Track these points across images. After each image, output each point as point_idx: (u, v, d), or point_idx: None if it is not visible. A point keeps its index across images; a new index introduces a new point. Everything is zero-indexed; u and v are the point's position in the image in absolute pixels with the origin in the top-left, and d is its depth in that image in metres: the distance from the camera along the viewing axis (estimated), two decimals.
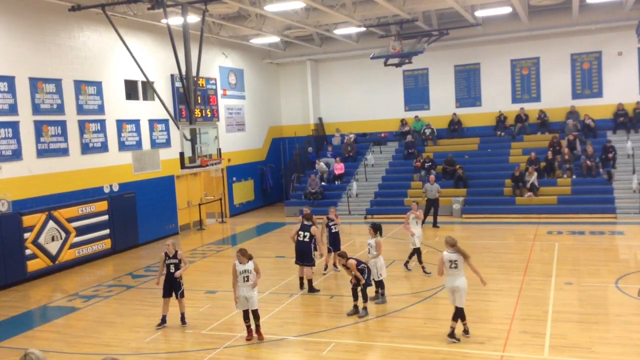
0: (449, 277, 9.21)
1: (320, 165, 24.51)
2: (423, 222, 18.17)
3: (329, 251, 13.56)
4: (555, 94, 23.85)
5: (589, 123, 22.70)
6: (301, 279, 12.64)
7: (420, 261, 13.43)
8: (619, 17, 21.52)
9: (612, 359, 8.47)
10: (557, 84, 23.84)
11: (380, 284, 11.39)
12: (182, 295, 10.68)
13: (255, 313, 9.78)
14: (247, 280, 9.65)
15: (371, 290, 11.22)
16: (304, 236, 12.52)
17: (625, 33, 21.81)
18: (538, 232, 17.62)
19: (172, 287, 10.61)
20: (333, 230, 13.73)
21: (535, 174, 20.84)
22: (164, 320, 10.70)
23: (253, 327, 9.83)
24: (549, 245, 15.80)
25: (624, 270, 12.95)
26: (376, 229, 11.54)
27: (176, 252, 10.67)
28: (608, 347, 8.85)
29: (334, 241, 13.68)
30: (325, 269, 13.85)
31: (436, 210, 19.50)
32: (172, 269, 10.55)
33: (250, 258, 9.77)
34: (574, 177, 20.99)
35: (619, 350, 8.72)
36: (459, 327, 9.27)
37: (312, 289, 12.38)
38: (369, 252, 11.51)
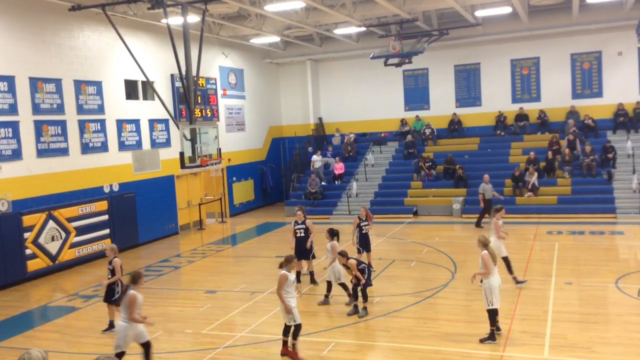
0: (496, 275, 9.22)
1: (315, 159, 24.48)
2: (478, 224, 18.55)
3: (359, 252, 13.10)
4: (555, 94, 23.85)
5: (589, 123, 22.70)
6: (311, 273, 12.95)
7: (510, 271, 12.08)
8: (619, 17, 21.52)
9: (612, 359, 8.47)
10: (557, 84, 23.84)
11: (343, 286, 11.38)
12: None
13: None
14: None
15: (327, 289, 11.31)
16: (300, 231, 12.91)
17: (625, 33, 21.81)
18: (538, 232, 17.62)
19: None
20: (364, 231, 13.28)
21: (536, 174, 20.84)
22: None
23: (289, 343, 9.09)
24: (549, 245, 15.80)
25: (624, 270, 12.94)
26: (332, 234, 11.72)
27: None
28: (608, 347, 8.85)
29: (365, 242, 13.27)
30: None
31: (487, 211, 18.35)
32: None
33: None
34: (569, 176, 20.97)
35: (619, 350, 8.72)
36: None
37: (313, 281, 12.86)
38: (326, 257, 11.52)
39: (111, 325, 10.47)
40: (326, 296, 11.58)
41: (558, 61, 23.71)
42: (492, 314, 9.18)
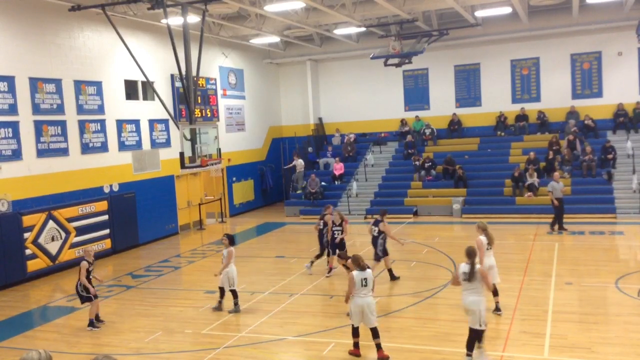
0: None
1: (298, 162, 24.58)
2: (554, 226, 17.50)
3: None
4: (555, 94, 23.85)
5: (588, 123, 22.71)
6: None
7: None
8: (619, 17, 21.53)
9: (611, 359, 8.47)
10: (557, 84, 23.85)
11: (234, 294, 11.36)
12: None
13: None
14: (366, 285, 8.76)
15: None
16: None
17: (625, 33, 21.82)
18: (538, 232, 17.62)
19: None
20: (336, 236, 13.31)
21: (535, 174, 20.84)
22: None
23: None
24: (549, 245, 15.81)
25: (623, 270, 12.94)
26: (231, 239, 11.55)
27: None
28: (608, 347, 8.85)
29: (335, 247, 13.28)
30: (329, 271, 13.74)
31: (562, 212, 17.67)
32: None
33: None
34: (569, 176, 20.98)
35: (619, 350, 8.72)
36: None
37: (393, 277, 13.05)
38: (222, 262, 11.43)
39: (91, 323, 10.83)
40: (219, 302, 11.45)
41: (558, 61, 23.71)
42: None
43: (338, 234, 13.39)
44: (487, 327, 8.30)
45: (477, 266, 8.25)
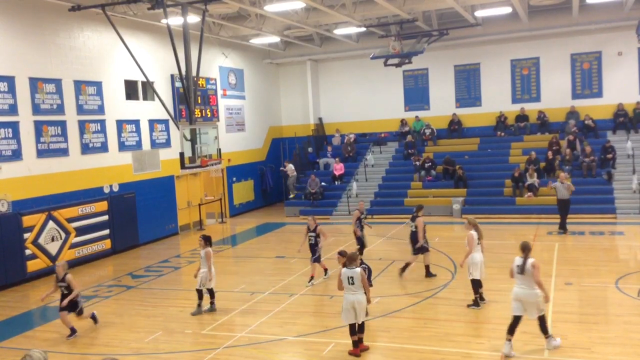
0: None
1: (288, 167, 24.62)
2: (562, 227, 17.29)
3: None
4: (555, 94, 23.85)
5: (589, 123, 22.70)
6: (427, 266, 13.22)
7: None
8: (619, 17, 21.53)
9: (612, 359, 8.47)
10: (557, 84, 23.85)
11: (211, 293, 11.35)
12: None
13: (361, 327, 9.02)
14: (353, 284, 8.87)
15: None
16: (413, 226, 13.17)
17: (625, 33, 21.81)
18: (538, 233, 17.62)
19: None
20: (311, 241, 13.00)
21: (536, 174, 20.83)
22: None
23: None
24: (549, 246, 15.80)
25: (624, 270, 12.94)
26: (206, 240, 11.47)
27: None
28: (608, 347, 8.84)
29: (312, 252, 12.99)
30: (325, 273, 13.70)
31: (566, 212, 17.34)
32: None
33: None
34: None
35: (619, 350, 8.71)
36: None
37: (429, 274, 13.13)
38: (201, 264, 11.36)
39: (73, 331, 10.46)
40: (199, 305, 11.40)
41: (558, 61, 23.71)
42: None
43: (313, 240, 12.98)
44: (544, 313, 8.68)
45: (530, 260, 8.50)
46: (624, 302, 10.89)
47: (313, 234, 13.03)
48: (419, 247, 12.93)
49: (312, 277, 13.04)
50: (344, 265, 9.15)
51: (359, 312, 8.86)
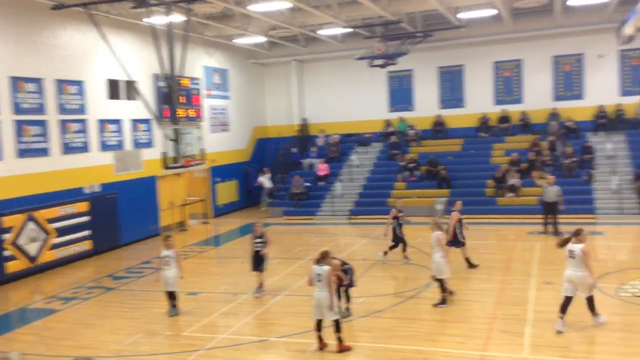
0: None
1: (264, 179, 24.65)
2: (554, 227, 17.09)
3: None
4: (537, 96, 24.10)
5: (570, 125, 22.97)
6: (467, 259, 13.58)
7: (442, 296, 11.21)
8: (600, 20, 21.79)
9: (590, 358, 8.58)
10: (539, 86, 24.10)
11: (171, 295, 11.36)
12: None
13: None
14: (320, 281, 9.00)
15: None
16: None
17: (606, 35, 22.07)
18: (519, 233, 17.78)
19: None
20: (257, 249, 12.25)
21: (518, 175, 21.01)
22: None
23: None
24: (530, 246, 15.96)
25: (602, 270, 13.09)
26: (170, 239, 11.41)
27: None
28: (586, 346, 8.96)
29: (258, 261, 12.33)
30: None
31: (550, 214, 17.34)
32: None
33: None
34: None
35: (598, 349, 8.84)
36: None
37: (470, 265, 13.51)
38: (167, 264, 11.26)
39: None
40: (174, 305, 11.37)
41: (540, 63, 23.97)
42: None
43: (260, 247, 12.28)
44: (593, 293, 9.56)
45: (579, 246, 9.40)
46: (603, 301, 10.99)
47: (260, 241, 12.25)
48: (451, 241, 13.14)
49: (261, 285, 12.47)
50: (316, 262, 9.19)
51: (324, 309, 8.94)
